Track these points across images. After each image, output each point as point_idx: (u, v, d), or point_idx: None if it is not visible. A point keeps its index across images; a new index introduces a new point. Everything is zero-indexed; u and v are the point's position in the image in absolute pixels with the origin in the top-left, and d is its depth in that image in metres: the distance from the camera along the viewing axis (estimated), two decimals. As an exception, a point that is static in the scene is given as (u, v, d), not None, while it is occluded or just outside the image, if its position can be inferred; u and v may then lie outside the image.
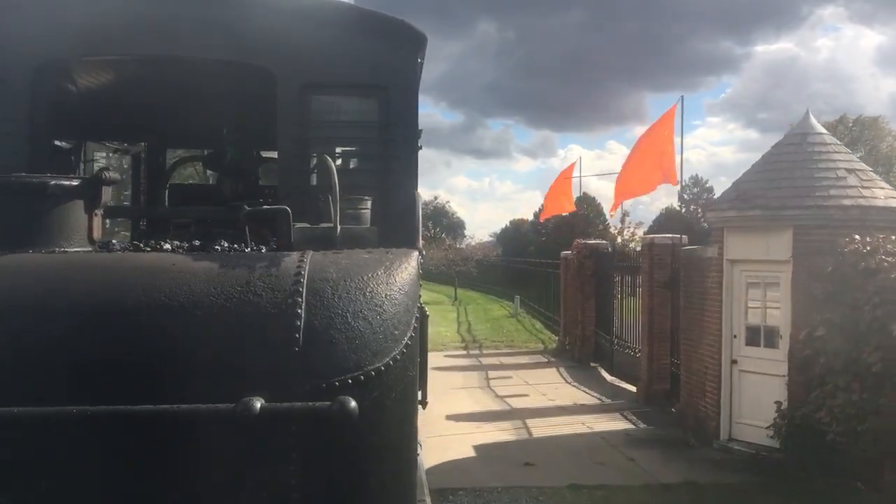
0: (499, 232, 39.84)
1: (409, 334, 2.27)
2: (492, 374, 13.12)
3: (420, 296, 2.53)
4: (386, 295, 2.30)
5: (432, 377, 12.30)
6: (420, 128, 4.03)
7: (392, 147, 3.78)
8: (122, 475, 1.98)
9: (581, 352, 14.41)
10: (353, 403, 1.92)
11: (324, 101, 3.82)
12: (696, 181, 67.35)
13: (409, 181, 3.83)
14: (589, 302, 14.42)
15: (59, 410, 1.86)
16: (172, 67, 4.06)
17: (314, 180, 3.73)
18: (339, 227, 2.87)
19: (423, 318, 2.79)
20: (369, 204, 3.37)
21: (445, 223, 77.59)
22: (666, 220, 52.21)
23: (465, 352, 16.26)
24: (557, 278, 18.04)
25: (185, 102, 4.85)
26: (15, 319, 2.03)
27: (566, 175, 21.75)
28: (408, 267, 2.45)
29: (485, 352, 16.37)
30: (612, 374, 12.76)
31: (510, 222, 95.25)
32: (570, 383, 12.34)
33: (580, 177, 20.05)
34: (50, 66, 3.60)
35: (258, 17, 3.57)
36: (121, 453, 1.96)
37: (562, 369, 13.71)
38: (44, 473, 1.94)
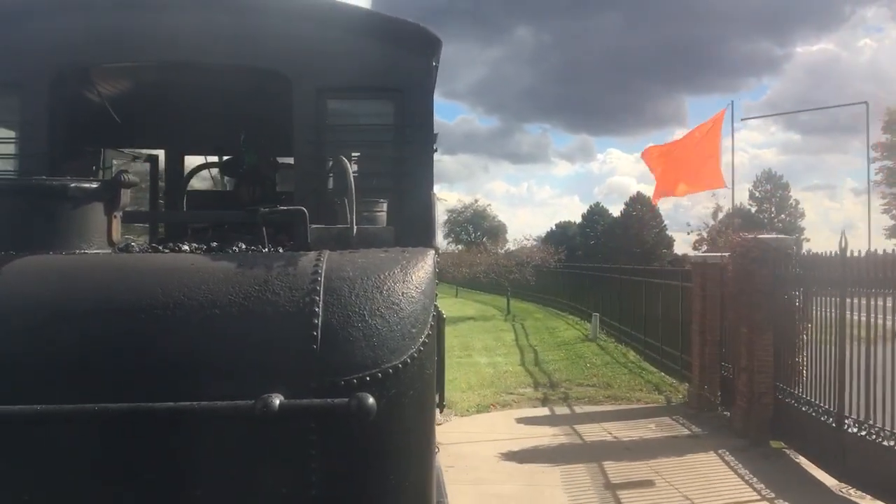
0: (543, 236, 33.37)
1: (426, 332, 2.36)
2: (612, 469, 8.13)
3: (436, 295, 2.69)
4: (403, 293, 2.37)
5: (507, 477, 7.43)
6: (436, 131, 4.16)
7: (407, 149, 3.89)
8: (141, 472, 2.09)
9: (749, 419, 9.37)
10: (370, 400, 1.99)
11: (339, 104, 3.95)
12: (769, 176, 59.62)
13: (424, 182, 3.92)
14: (762, 337, 9.35)
15: (79, 408, 1.96)
16: (189, 73, 4.37)
17: (330, 184, 3.90)
18: (355, 227, 3.00)
19: (439, 319, 2.84)
20: (385, 206, 3.52)
21: (486, 226, 76.59)
22: (730, 221, 43.04)
23: (546, 410, 11.64)
24: (672, 292, 13.94)
25: (202, 108, 5.16)
26: (36, 319, 2.14)
27: (708, 131, 14.31)
28: (424, 266, 2.54)
29: (577, 409, 11.45)
30: (839, 478, 7.69)
31: (556, 225, 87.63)
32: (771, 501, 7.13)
33: (743, 115, 13.34)
34: (69, 73, 3.86)
35: (273, 23, 3.77)
36: (141, 450, 2.07)
37: (728, 457, 8.79)
38: (64, 470, 2.05)
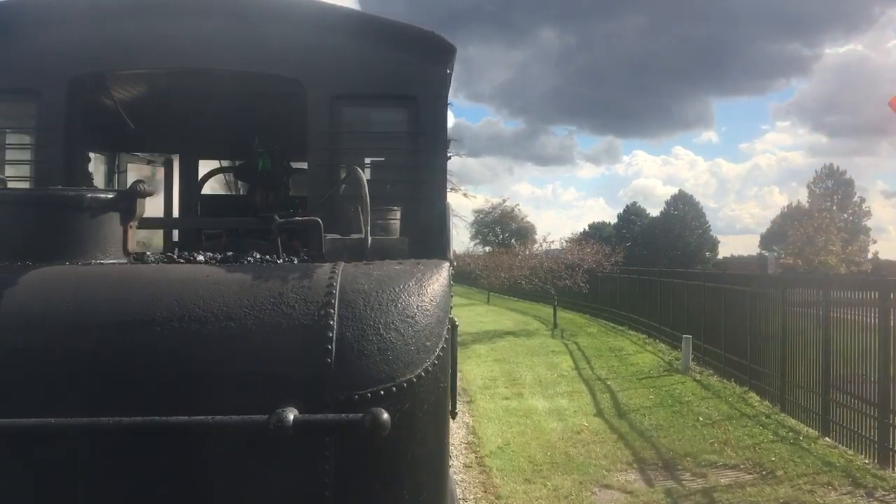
0: (575, 237, 28.28)
1: (440, 345, 2.40)
2: None
3: (451, 307, 2.79)
4: (418, 306, 2.41)
5: None
6: (450, 138, 4.22)
7: (421, 157, 3.92)
8: (155, 484, 2.16)
9: None
10: (385, 415, 2.03)
11: (353, 111, 4.02)
12: (831, 171, 53.21)
13: (438, 191, 3.94)
14: None
15: (94, 422, 2.01)
16: (204, 80, 4.48)
17: (343, 190, 3.95)
18: (369, 238, 3.01)
19: (453, 329, 2.92)
20: (398, 214, 3.56)
21: (514, 228, 72.86)
22: (784, 221, 38.17)
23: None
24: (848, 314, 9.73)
25: (216, 114, 5.28)
26: (52, 331, 2.21)
27: None
28: (439, 278, 2.59)
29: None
30: None
31: (589, 226, 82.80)
32: None
33: None
34: (84, 79, 3.97)
35: (289, 30, 3.84)
36: (154, 462, 2.15)
37: None
38: (79, 481, 2.10)
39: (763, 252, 62.74)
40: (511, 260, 28.59)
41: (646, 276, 23.99)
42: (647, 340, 21.16)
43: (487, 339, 22.81)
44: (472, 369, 16.45)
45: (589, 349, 19.81)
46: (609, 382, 14.50)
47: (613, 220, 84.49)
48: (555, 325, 25.01)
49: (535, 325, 26.97)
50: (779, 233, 59.34)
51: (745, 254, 78.66)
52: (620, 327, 25.07)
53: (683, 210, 73.04)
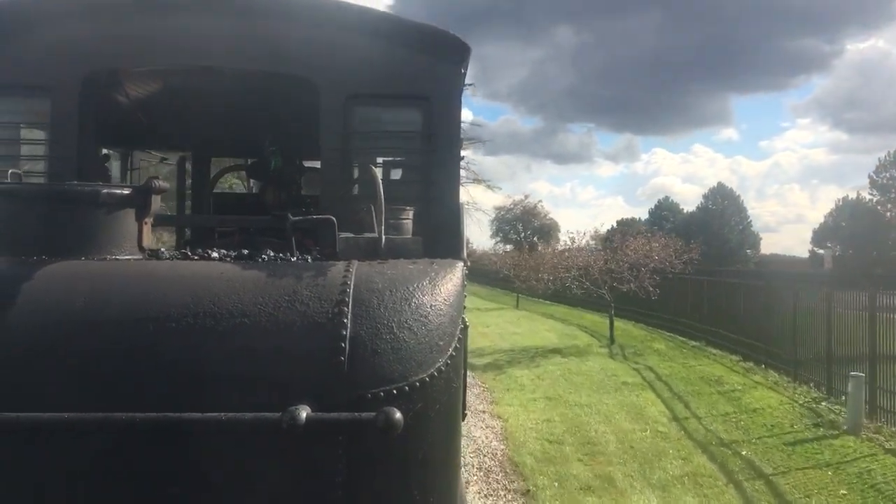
0: (603, 234, 22.88)
1: (453, 345, 2.40)
2: None
3: (465, 307, 2.78)
4: (431, 306, 2.41)
5: None
6: (462, 137, 4.28)
7: (434, 157, 3.93)
8: (166, 482, 2.14)
9: None
10: (397, 415, 2.02)
11: (367, 111, 4.02)
12: (896, 159, 47.31)
13: (451, 191, 3.94)
14: None
15: (107, 417, 2.02)
16: (217, 78, 4.48)
17: (356, 190, 4.01)
18: (383, 237, 3.04)
19: (464, 329, 2.96)
20: (411, 214, 3.57)
21: (537, 225, 68.62)
22: (844, 216, 31.47)
23: None
24: None
25: (229, 112, 5.25)
26: (66, 326, 2.22)
27: None
28: (453, 278, 2.59)
29: None
30: None
31: (617, 222, 77.32)
32: None
33: None
34: (98, 76, 4.04)
35: (302, 29, 3.87)
36: (166, 460, 2.14)
37: None
38: (90, 477, 2.13)
39: (816, 249, 57.23)
40: (555, 258, 23.10)
41: (757, 282, 18.24)
42: (744, 365, 16.01)
43: (528, 359, 17.79)
44: (519, 415, 11.36)
45: (674, 380, 14.66)
46: (744, 452, 9.32)
47: (631, 218, 79.27)
48: (612, 341, 19.87)
49: (583, 339, 21.56)
50: (833, 228, 53.79)
51: (768, 252, 73.01)
52: (694, 342, 20.04)
53: (723, 205, 67.36)
